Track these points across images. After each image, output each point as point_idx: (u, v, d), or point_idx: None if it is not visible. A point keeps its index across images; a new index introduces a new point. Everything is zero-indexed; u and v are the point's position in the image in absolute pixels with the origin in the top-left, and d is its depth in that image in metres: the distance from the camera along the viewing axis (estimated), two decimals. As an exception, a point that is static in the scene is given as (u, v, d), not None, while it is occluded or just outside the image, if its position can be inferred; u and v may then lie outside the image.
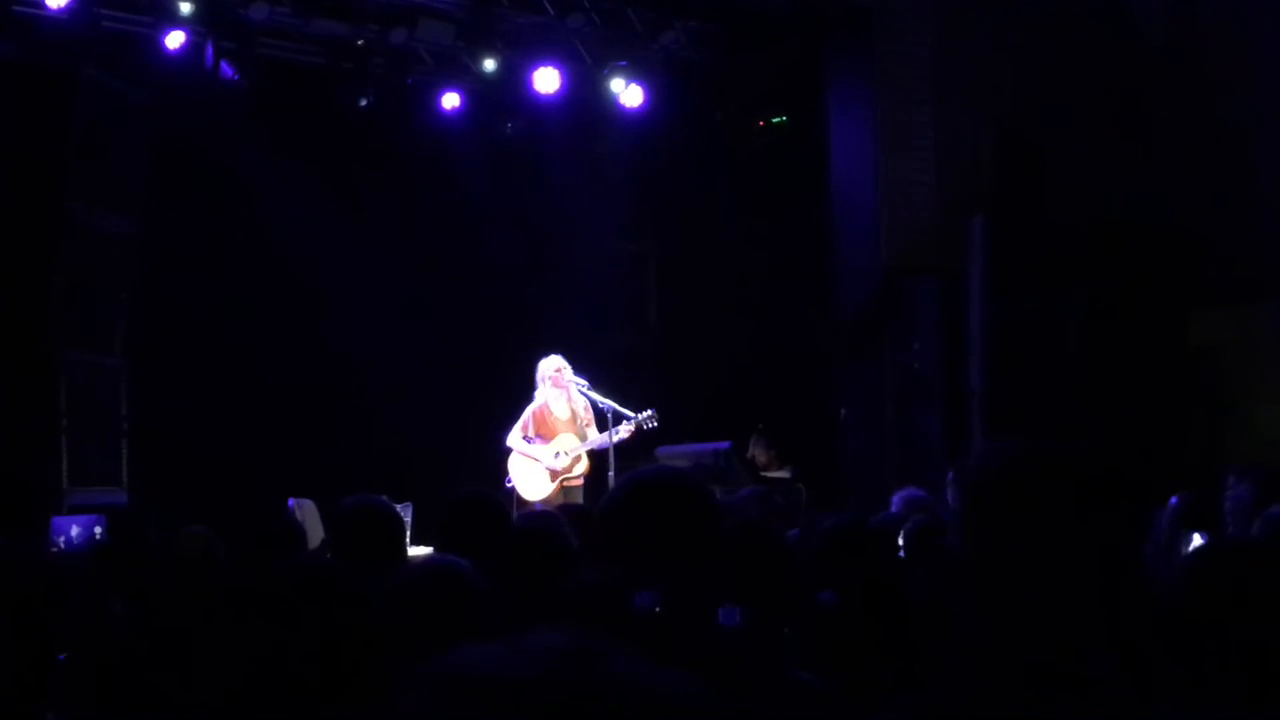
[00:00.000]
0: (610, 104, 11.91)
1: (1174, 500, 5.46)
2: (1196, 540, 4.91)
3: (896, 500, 6.31)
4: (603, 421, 9.49)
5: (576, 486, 9.54)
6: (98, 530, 8.65)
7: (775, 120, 12.70)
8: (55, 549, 8.32)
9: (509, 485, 9.46)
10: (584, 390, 9.53)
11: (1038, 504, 1.83)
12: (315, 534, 8.07)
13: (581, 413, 9.56)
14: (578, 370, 9.61)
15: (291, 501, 8.87)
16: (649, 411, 9.43)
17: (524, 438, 9.50)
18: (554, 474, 9.46)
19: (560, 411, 9.56)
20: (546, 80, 11.53)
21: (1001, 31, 10.70)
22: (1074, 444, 1.90)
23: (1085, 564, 1.80)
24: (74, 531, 8.60)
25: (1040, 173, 10.38)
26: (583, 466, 9.52)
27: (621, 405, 9.44)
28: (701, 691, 1.05)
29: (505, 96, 11.86)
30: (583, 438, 9.51)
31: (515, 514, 8.44)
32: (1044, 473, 1.86)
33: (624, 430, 9.34)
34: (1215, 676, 1.98)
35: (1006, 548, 1.83)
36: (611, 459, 9.30)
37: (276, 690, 2.17)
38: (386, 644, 2.22)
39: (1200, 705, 1.92)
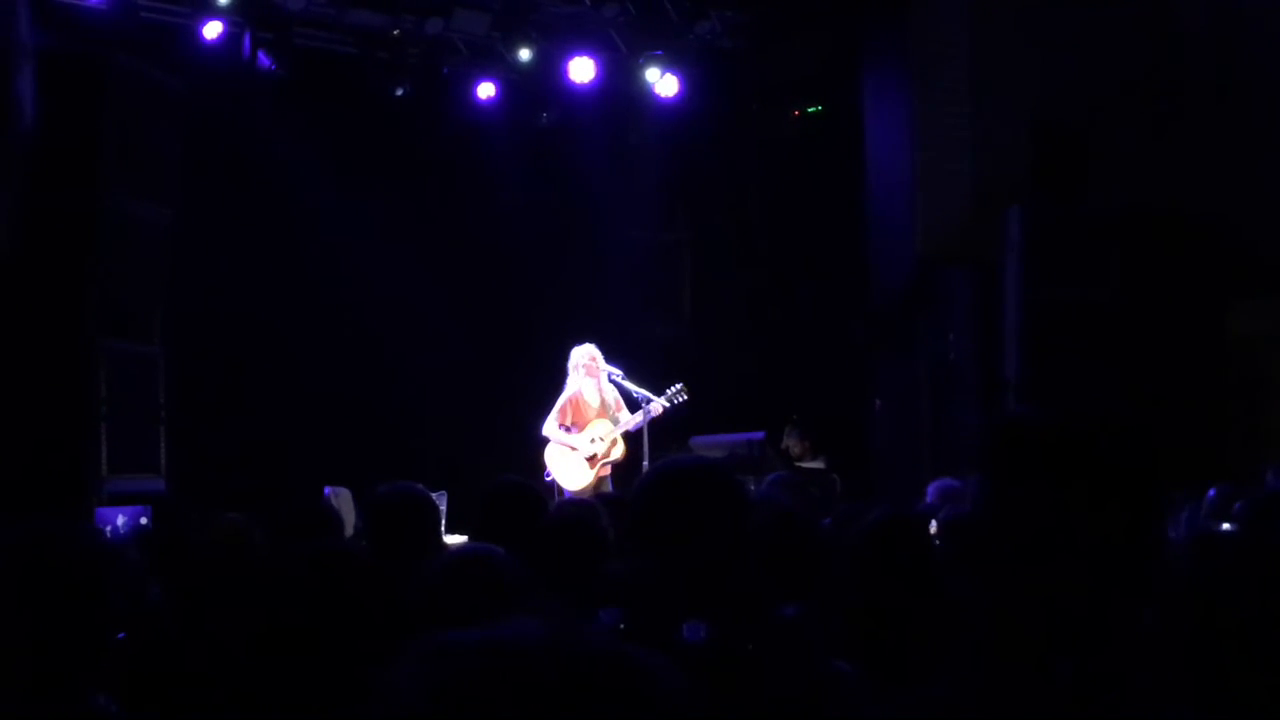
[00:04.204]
0: (645, 93, 11.90)
1: (1211, 493, 5.43)
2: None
3: (931, 491, 6.30)
4: (635, 409, 9.52)
5: (605, 476, 9.56)
6: (143, 520, 8.72)
7: (810, 110, 12.67)
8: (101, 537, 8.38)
9: (549, 479, 9.47)
10: (617, 379, 9.55)
11: (1058, 472, 1.80)
12: (351, 522, 8.11)
13: (611, 402, 9.58)
14: (611, 359, 9.62)
15: (328, 489, 8.92)
16: (677, 385, 9.45)
17: (560, 426, 9.53)
18: (591, 461, 9.49)
19: (592, 399, 9.58)
20: (581, 70, 11.54)
21: (1038, 21, 10.63)
22: (1103, 416, 1.86)
23: (1101, 542, 1.76)
24: (120, 521, 8.66)
25: (1077, 163, 10.31)
26: (619, 451, 9.54)
27: (654, 394, 9.46)
28: (674, 669, 1.10)
29: (540, 86, 11.88)
30: (615, 423, 9.54)
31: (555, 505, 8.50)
32: (1068, 441, 1.82)
33: (655, 408, 9.37)
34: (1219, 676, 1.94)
35: (1023, 517, 1.79)
36: (646, 448, 9.32)
37: (308, 671, 2.20)
38: (413, 627, 2.24)
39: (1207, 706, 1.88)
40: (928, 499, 6.11)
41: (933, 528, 4.77)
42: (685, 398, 9.47)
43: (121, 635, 2.97)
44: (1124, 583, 1.76)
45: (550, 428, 9.54)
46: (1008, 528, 1.80)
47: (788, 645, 2.60)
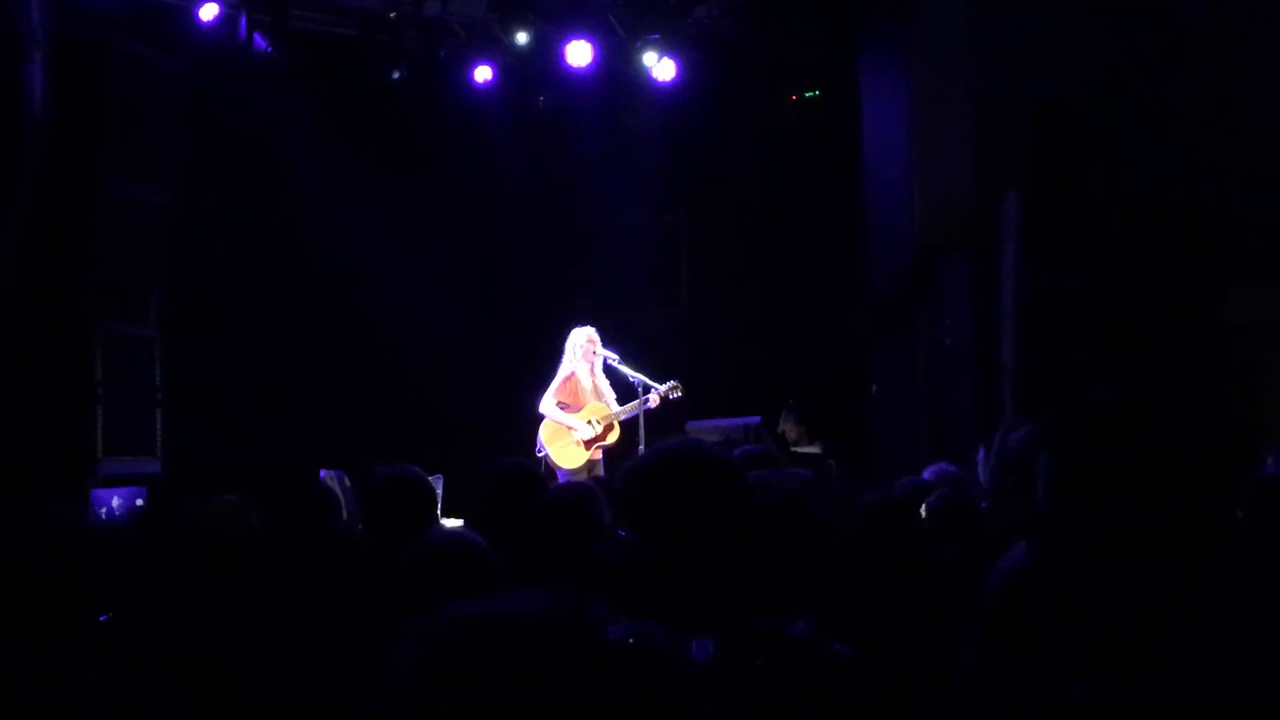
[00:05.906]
0: (642, 77, 11.88)
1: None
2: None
3: (927, 475, 6.30)
4: (630, 396, 9.51)
5: (597, 459, 9.57)
6: (138, 501, 8.73)
7: (808, 94, 12.65)
8: (96, 519, 8.40)
9: (541, 454, 9.48)
10: (614, 364, 9.55)
11: (1133, 457, 1.78)
12: (347, 505, 8.12)
13: (605, 390, 9.59)
14: (608, 343, 9.62)
15: (324, 472, 8.92)
16: (672, 383, 9.45)
17: (558, 404, 9.53)
18: (587, 444, 9.49)
19: (585, 383, 9.59)
20: (579, 53, 11.51)
21: (1038, 6, 10.60)
22: (1174, 401, 1.83)
23: (1174, 526, 1.74)
24: (115, 503, 8.68)
25: (1076, 149, 10.29)
26: (614, 436, 9.54)
27: (651, 379, 9.46)
28: (664, 644, 1.10)
29: (537, 69, 11.85)
30: (610, 409, 9.55)
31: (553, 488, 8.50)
32: (1144, 425, 1.79)
33: (652, 399, 9.37)
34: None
35: (1097, 504, 1.77)
36: (641, 433, 9.32)
37: (304, 654, 2.20)
38: (406, 610, 2.24)
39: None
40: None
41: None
42: (680, 395, 9.45)
43: (104, 619, 2.96)
44: (1195, 566, 1.75)
45: (548, 405, 9.53)
46: (1079, 513, 1.79)
47: (797, 661, 2.60)
